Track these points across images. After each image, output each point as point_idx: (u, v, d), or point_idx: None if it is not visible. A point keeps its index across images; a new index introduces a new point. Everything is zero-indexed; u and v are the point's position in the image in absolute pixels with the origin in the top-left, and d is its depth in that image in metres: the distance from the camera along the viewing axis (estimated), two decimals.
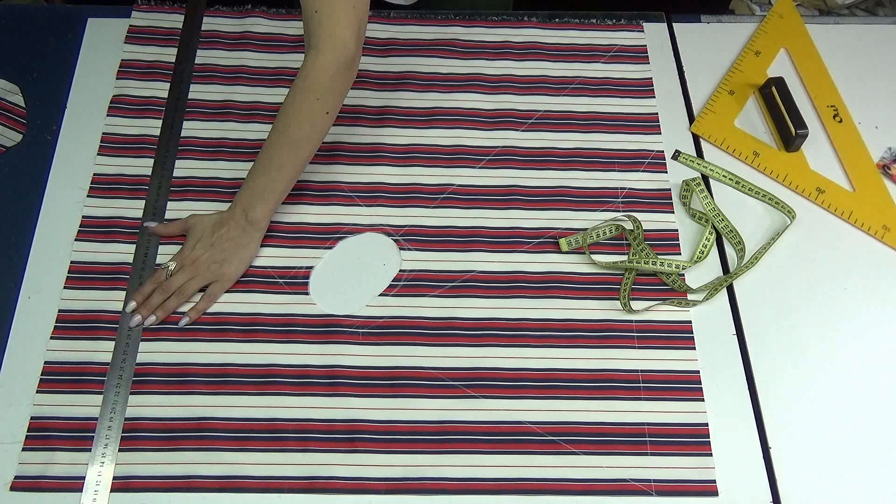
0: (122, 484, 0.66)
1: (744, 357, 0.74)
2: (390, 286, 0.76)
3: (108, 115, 0.84)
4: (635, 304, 0.76)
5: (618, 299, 0.76)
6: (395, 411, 0.70)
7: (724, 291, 0.77)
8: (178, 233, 0.77)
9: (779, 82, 0.87)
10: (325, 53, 0.70)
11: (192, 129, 0.84)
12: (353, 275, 0.77)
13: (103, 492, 0.65)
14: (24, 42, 0.89)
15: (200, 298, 0.74)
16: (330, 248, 0.78)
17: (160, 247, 0.77)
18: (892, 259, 0.80)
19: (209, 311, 0.74)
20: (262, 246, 0.77)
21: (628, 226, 0.80)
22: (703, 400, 0.71)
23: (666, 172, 0.84)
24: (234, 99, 0.86)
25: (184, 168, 0.82)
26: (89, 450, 0.67)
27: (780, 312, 0.76)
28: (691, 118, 0.88)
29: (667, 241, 0.80)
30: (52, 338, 0.72)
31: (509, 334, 0.74)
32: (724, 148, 0.86)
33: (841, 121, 0.88)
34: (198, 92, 0.87)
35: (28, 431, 0.68)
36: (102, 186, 0.80)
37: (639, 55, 0.92)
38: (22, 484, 0.65)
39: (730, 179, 0.84)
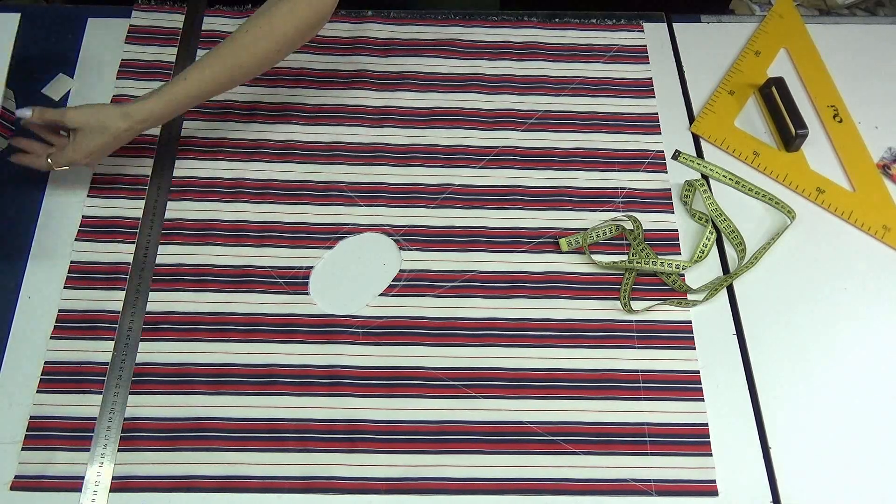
0: (121, 484, 0.66)
1: (744, 357, 0.74)
2: (390, 286, 0.76)
3: None
4: (635, 304, 0.76)
5: (618, 299, 0.76)
6: (395, 411, 0.70)
7: (724, 291, 0.77)
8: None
9: (779, 82, 0.87)
10: (304, 4, 0.70)
11: (192, 129, 0.84)
12: (353, 275, 0.77)
13: (102, 492, 0.65)
14: (24, 42, 0.89)
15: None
16: (330, 248, 0.78)
17: (160, 246, 0.77)
18: (892, 259, 0.80)
19: (209, 311, 0.74)
20: (261, 246, 0.77)
21: (628, 226, 0.80)
22: (703, 400, 0.71)
23: (666, 172, 0.84)
24: (234, 99, 0.86)
25: (184, 168, 0.82)
26: (89, 449, 0.67)
27: (780, 312, 0.76)
28: (691, 118, 0.88)
29: (667, 241, 0.80)
30: (52, 338, 0.72)
31: (509, 334, 0.74)
32: (724, 148, 0.86)
33: (841, 121, 0.88)
34: None
35: (28, 431, 0.68)
36: (102, 186, 0.80)
37: (639, 55, 0.92)
38: (22, 483, 0.65)
39: (730, 179, 0.84)
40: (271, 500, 0.66)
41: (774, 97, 0.87)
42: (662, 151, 0.85)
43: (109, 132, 0.71)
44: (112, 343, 0.72)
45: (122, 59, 0.88)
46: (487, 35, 0.93)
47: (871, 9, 1.79)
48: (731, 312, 0.76)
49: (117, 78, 0.87)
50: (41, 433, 0.68)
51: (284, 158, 0.82)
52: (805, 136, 0.84)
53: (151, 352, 0.72)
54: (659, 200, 0.82)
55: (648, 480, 0.68)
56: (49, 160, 0.73)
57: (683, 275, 0.78)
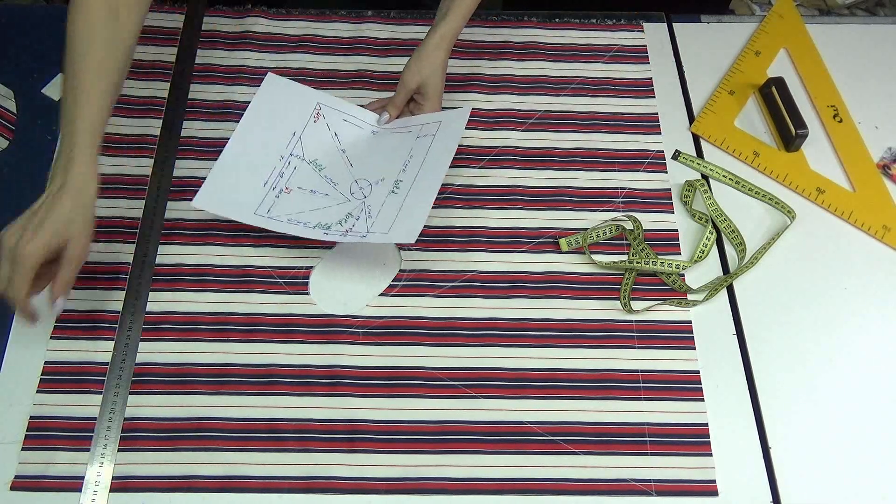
0: (121, 484, 0.66)
1: (744, 357, 0.74)
2: (390, 286, 0.76)
3: None
4: (635, 304, 0.76)
5: (618, 299, 0.76)
6: (395, 411, 0.70)
7: (724, 291, 0.77)
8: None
9: (779, 82, 0.87)
10: None
11: (192, 129, 0.84)
12: (353, 275, 0.77)
13: (102, 492, 0.65)
14: (24, 42, 0.89)
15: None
16: (330, 248, 0.78)
17: (160, 246, 0.77)
18: (892, 259, 0.80)
19: (209, 311, 0.74)
20: (261, 246, 0.77)
21: (628, 226, 0.80)
22: (703, 400, 0.71)
23: (666, 172, 0.84)
24: (234, 99, 0.86)
25: (184, 168, 0.82)
26: (89, 449, 0.67)
27: (780, 312, 0.76)
28: (691, 118, 0.88)
29: (667, 241, 0.80)
30: (52, 338, 0.72)
31: (509, 334, 0.74)
32: (724, 148, 0.86)
33: (841, 121, 0.88)
34: (198, 92, 0.87)
35: (28, 431, 0.67)
36: (102, 186, 0.79)
37: (639, 55, 0.92)
38: (22, 483, 0.65)
39: (730, 179, 0.84)
40: (271, 500, 0.66)
41: (774, 97, 0.87)
42: (662, 151, 0.85)
43: (438, 65, 0.80)
44: (112, 343, 0.72)
45: None
46: (487, 35, 0.93)
47: (871, 9, 1.79)
48: (731, 312, 0.76)
49: None
50: (41, 433, 0.68)
51: None
52: (805, 136, 0.84)
53: (151, 352, 0.72)
54: (659, 200, 0.82)
55: (648, 480, 0.68)
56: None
57: (683, 275, 0.78)
